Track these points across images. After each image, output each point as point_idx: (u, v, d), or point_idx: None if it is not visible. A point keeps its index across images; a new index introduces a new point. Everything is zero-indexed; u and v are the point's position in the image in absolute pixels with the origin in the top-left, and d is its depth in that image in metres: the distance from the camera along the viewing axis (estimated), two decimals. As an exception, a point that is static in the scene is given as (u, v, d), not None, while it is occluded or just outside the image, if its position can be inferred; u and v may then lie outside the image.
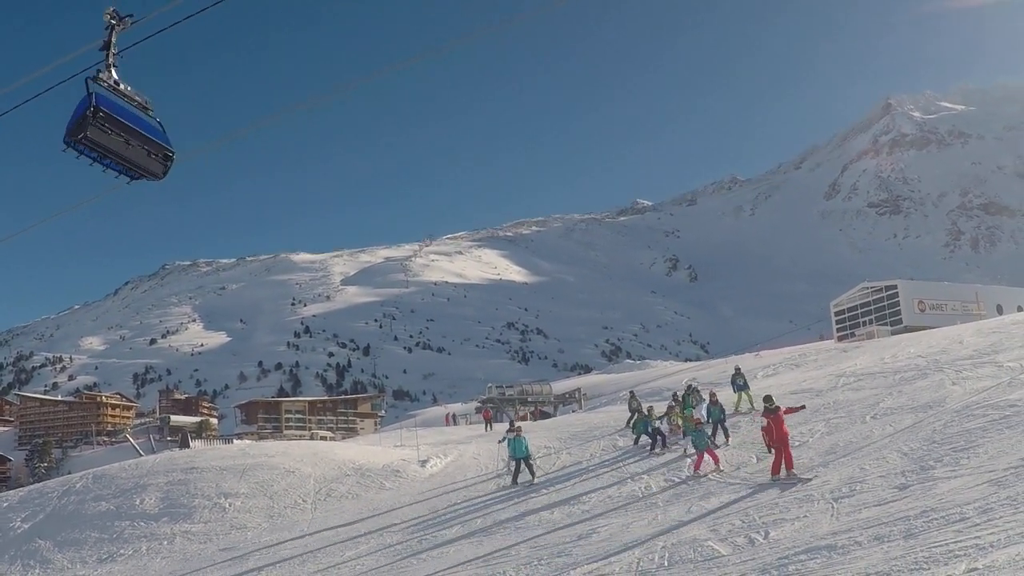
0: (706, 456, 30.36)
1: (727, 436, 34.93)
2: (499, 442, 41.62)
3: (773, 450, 26.93)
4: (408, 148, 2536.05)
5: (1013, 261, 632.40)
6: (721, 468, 29.47)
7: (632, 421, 42.61)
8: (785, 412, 27.48)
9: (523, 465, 36.44)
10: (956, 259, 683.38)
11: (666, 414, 40.40)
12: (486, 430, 60.26)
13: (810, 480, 24.36)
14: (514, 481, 35.90)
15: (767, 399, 28.12)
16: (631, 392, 56.62)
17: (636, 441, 39.88)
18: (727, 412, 37.23)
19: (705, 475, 29.17)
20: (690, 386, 49.03)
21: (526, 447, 36.52)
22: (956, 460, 22.06)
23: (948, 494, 18.61)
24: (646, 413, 40.16)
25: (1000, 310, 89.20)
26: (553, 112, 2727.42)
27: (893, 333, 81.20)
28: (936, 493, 18.95)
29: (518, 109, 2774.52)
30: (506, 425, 51.33)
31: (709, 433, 32.21)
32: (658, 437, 37.48)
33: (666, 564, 19.33)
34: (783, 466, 26.07)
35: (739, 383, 43.18)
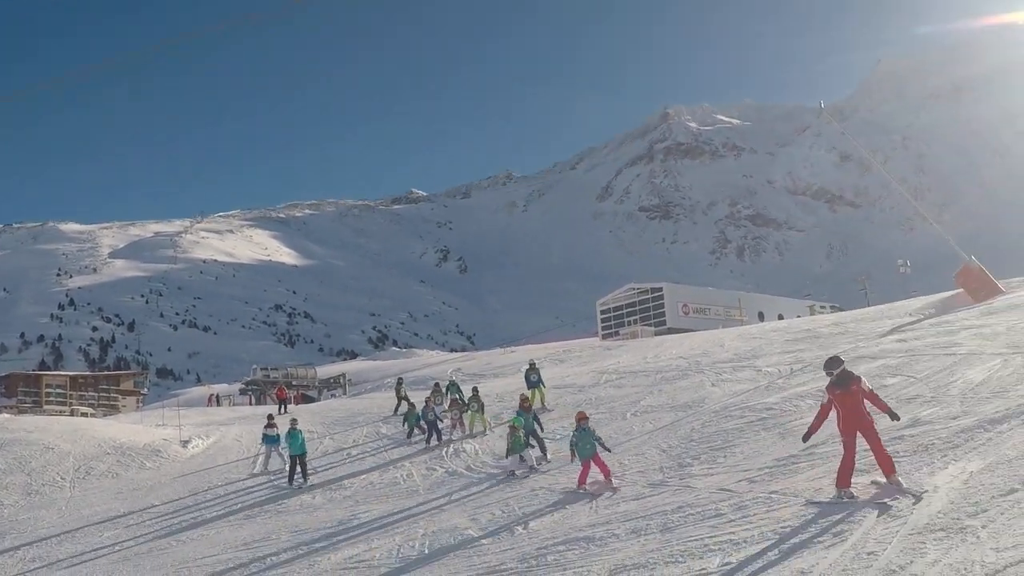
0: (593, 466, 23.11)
1: (544, 451, 28.63)
2: (263, 442, 38.32)
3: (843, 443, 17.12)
4: (181, 119, 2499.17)
5: (776, 271, 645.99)
6: (615, 486, 22.19)
7: (404, 414, 40.74)
8: (868, 395, 17.12)
9: (298, 463, 33.46)
10: (722, 266, 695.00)
11: (451, 408, 38.16)
12: (280, 411, 57.58)
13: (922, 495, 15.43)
14: (290, 481, 33.06)
15: (832, 363, 17.62)
16: (399, 379, 56.06)
17: (409, 435, 38.74)
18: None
19: (595, 492, 22.08)
20: (452, 381, 48.93)
21: (302, 442, 33.90)
22: (713, 459, 22.60)
23: (704, 491, 19.07)
24: (419, 405, 38.80)
25: (762, 317, 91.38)
26: (330, 92, 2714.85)
27: (657, 334, 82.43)
28: (693, 489, 19.39)
29: (296, 90, 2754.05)
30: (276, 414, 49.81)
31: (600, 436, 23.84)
32: (433, 430, 36.11)
33: (426, 551, 19.50)
34: (848, 474, 16.78)
35: (533, 379, 40.62)
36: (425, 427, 36.89)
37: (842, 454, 17.07)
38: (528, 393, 38.55)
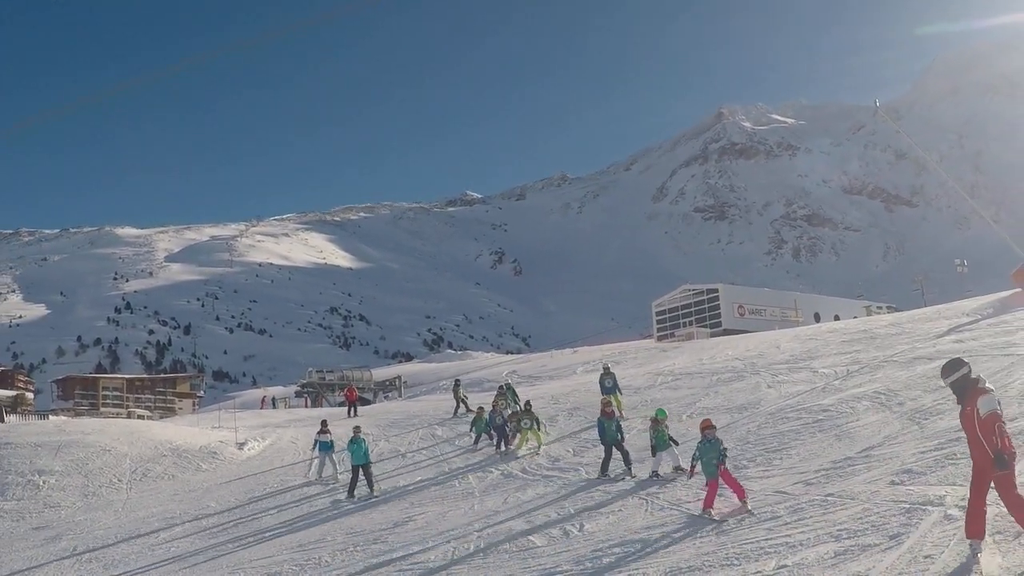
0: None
1: (629, 464, 25.54)
2: (317, 448, 36.94)
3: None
4: (236, 125, 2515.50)
5: (832, 271, 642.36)
6: (749, 508, 18.34)
7: (472, 420, 38.96)
8: (980, 425, 12.61)
9: (361, 473, 31.30)
10: (777, 267, 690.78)
11: (511, 418, 35.27)
12: (349, 414, 55.49)
13: None
14: (350, 493, 30.93)
15: (945, 368, 13.44)
16: (456, 381, 55.29)
17: (476, 441, 37.30)
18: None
19: (721, 519, 18.30)
20: (508, 384, 48.14)
21: (366, 451, 31.96)
22: (769, 460, 22.53)
23: (760, 493, 18.96)
24: (487, 411, 37.46)
25: (818, 318, 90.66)
26: (385, 97, 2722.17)
27: (712, 335, 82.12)
28: (749, 492, 19.25)
29: (348, 93, 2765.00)
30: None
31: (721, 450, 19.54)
32: (501, 435, 34.61)
33: (481, 553, 19.50)
34: (974, 521, 12.70)
35: (608, 385, 37.55)
36: (495, 433, 35.64)
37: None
38: (608, 398, 32.02)
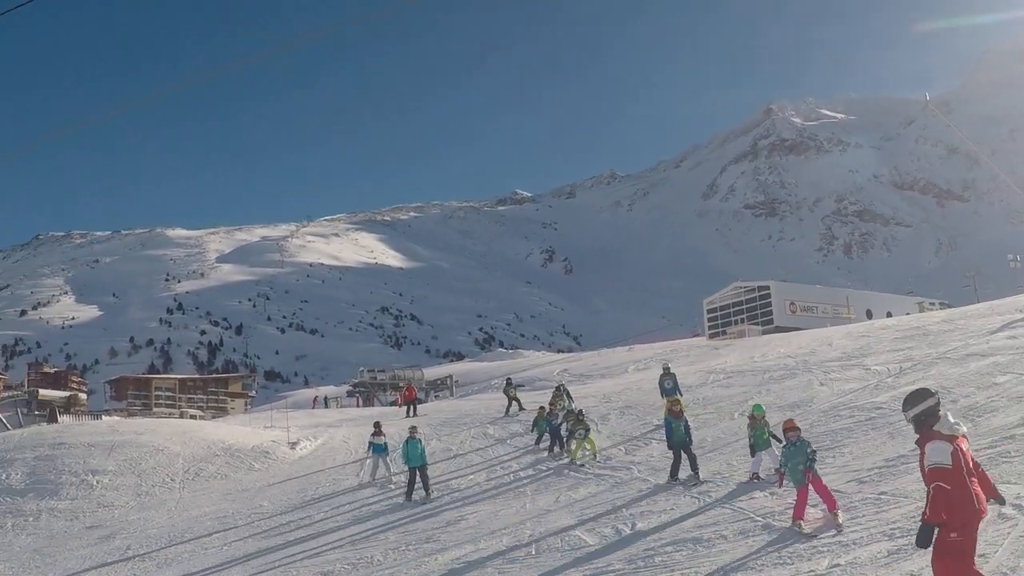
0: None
1: (696, 469, 24.04)
2: (370, 450, 36.24)
3: None
4: (287, 125, 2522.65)
5: (884, 268, 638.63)
6: (840, 521, 16.58)
7: (534, 420, 37.61)
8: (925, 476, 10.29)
9: (418, 476, 30.22)
10: (829, 263, 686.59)
11: (567, 417, 33.76)
12: (408, 413, 53.20)
13: None
14: (408, 497, 29.95)
15: (915, 398, 10.91)
16: (508, 380, 54.84)
17: (538, 441, 36.14)
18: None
19: (812, 532, 16.62)
20: (562, 385, 47.57)
21: (422, 452, 30.84)
22: (821, 459, 22.18)
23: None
24: (546, 410, 36.32)
25: (870, 315, 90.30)
26: (434, 95, 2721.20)
27: (764, 333, 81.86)
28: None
29: (398, 91, 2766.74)
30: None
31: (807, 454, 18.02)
32: (555, 436, 34.01)
33: (533, 552, 19.49)
34: None
35: (668, 386, 36.48)
36: (550, 434, 34.81)
37: None
38: (676, 397, 28.80)
